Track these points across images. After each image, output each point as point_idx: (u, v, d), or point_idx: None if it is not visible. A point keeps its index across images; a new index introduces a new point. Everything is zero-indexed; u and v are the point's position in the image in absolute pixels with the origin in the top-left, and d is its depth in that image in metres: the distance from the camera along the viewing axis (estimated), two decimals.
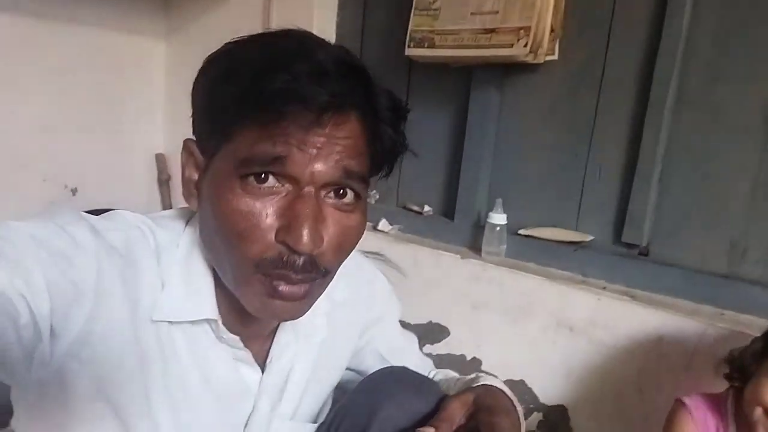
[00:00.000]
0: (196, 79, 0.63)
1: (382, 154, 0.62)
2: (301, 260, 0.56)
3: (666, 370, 1.26)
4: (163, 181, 2.26)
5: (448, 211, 1.76)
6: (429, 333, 1.65)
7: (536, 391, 1.47)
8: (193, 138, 0.63)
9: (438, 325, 1.64)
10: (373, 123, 0.60)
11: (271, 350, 0.70)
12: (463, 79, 1.70)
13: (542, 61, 1.49)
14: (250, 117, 0.55)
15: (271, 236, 0.56)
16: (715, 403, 1.03)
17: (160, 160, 2.28)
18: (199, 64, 0.62)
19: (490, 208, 1.57)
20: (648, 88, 1.40)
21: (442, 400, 0.69)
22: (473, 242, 1.65)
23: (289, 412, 0.74)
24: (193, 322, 0.63)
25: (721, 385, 1.04)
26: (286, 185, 0.57)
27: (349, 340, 0.80)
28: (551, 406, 1.45)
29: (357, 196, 0.60)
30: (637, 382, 1.31)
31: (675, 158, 1.40)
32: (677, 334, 1.26)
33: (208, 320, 0.63)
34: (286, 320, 0.65)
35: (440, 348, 1.63)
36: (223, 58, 0.60)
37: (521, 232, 1.58)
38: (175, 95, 2.27)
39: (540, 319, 1.46)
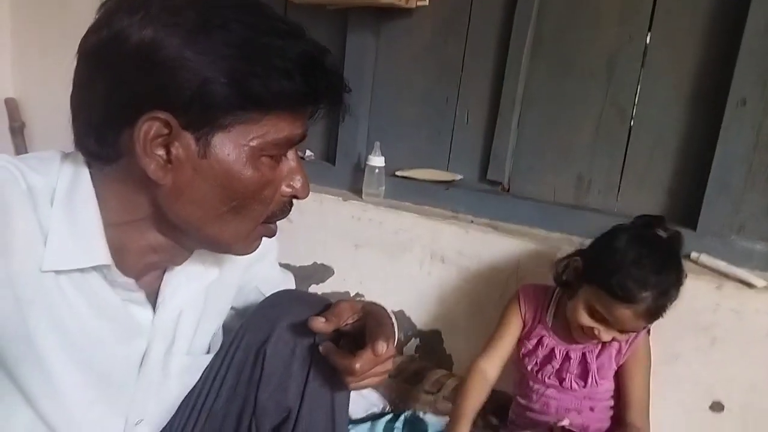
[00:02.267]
0: (163, 50, 0.57)
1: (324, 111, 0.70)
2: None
3: (524, 290, 1.43)
4: (16, 129, 2.06)
5: (329, 155, 1.80)
6: (314, 273, 1.72)
7: (414, 319, 1.60)
8: (163, 110, 0.58)
9: (323, 265, 1.71)
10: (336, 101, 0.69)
11: (161, 290, 0.71)
12: (339, 22, 1.71)
13: (414, 6, 1.54)
14: (290, 107, 0.62)
15: (278, 194, 0.67)
16: (545, 292, 1.23)
17: (11, 105, 2.06)
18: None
19: (369, 152, 1.64)
20: (508, 37, 1.52)
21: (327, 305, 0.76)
22: (354, 185, 1.71)
23: (185, 348, 0.76)
24: (82, 270, 0.62)
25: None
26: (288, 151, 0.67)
27: (234, 278, 0.83)
28: (427, 332, 1.59)
29: None
30: (499, 303, 1.46)
31: (531, 102, 1.54)
32: (533, 258, 1.43)
33: (99, 266, 0.63)
34: (251, 253, 0.71)
35: (326, 287, 1.70)
36: (219, 34, 0.58)
37: (398, 173, 1.67)
38: (22, 35, 2.04)
39: (416, 253, 1.57)
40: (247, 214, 0.65)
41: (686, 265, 1.29)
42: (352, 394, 1.36)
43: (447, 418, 1.28)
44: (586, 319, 1.07)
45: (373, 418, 1.25)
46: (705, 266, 1.29)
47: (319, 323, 0.70)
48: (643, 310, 1.02)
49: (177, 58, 0.56)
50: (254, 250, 0.70)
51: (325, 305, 0.76)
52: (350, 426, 1.23)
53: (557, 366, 1.16)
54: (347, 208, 1.65)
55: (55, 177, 0.63)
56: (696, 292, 1.24)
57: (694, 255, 1.31)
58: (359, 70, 1.69)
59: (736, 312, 1.22)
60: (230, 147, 0.60)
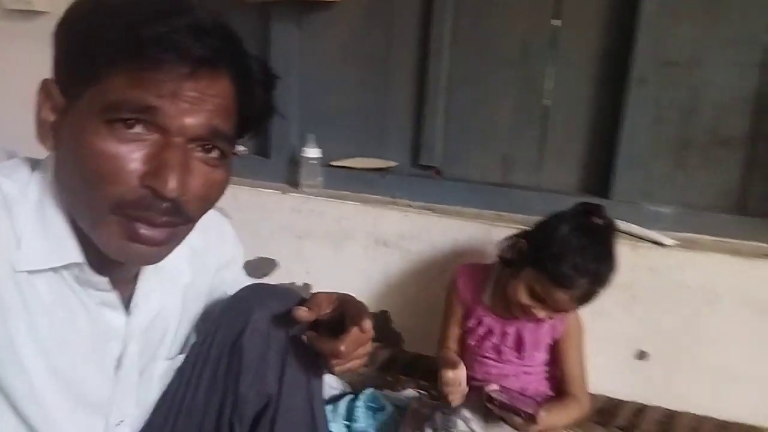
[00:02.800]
0: (63, 19, 0.59)
1: (251, 117, 0.65)
2: (164, 205, 0.58)
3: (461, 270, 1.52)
4: None
5: (262, 149, 1.80)
6: (258, 267, 1.72)
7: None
8: (52, 78, 0.60)
9: (266, 259, 1.72)
10: (244, 86, 0.62)
11: (135, 294, 0.71)
12: (261, 16, 1.71)
13: None
14: (123, 62, 0.55)
15: (134, 180, 0.57)
16: (483, 270, 1.29)
17: None
18: None
19: (302, 144, 1.66)
20: (429, 26, 1.58)
21: (304, 298, 0.78)
22: (291, 177, 1.73)
23: (165, 353, 0.77)
24: (55, 269, 0.62)
25: None
26: (154, 134, 0.57)
27: (206, 282, 0.84)
28: (376, 313, 1.64)
29: (223, 154, 0.62)
30: (441, 280, 1.55)
31: (456, 89, 1.62)
32: (468, 236, 1.52)
33: (71, 265, 0.63)
34: (142, 264, 0.66)
35: (271, 280, 1.71)
36: (96, 2, 0.59)
37: (334, 163, 1.71)
38: None
39: (359, 239, 1.62)
40: (93, 193, 0.58)
41: None
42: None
43: (407, 392, 1.35)
44: (525, 299, 1.13)
45: (334, 399, 1.29)
46: (621, 231, 1.42)
47: (303, 312, 0.72)
48: (579, 295, 1.10)
49: (58, 29, 0.59)
50: (131, 257, 0.62)
51: (294, 295, 0.79)
52: None
53: (495, 341, 1.22)
54: (287, 200, 1.67)
55: (27, 182, 0.63)
56: None
57: None
58: (285, 63, 1.70)
59: (651, 269, 1.37)
60: (83, 109, 0.57)
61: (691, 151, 1.46)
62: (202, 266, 0.80)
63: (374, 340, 1.60)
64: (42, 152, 0.66)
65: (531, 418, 1.05)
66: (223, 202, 1.85)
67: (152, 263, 0.65)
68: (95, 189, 0.57)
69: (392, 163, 1.71)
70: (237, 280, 0.88)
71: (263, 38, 1.72)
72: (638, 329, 1.39)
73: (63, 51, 0.60)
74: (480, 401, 1.11)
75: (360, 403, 1.24)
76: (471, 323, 1.26)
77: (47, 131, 0.61)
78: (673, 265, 1.36)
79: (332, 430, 1.19)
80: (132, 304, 0.71)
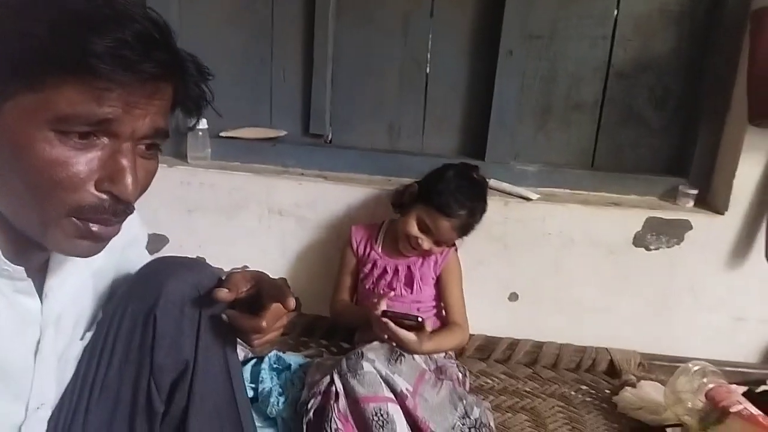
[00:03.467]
0: None
1: (189, 111, 0.69)
2: (120, 206, 0.61)
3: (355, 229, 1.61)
4: None
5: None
6: (148, 244, 1.68)
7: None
8: None
9: (155, 234, 1.68)
10: (182, 87, 0.66)
11: (47, 280, 0.71)
12: None
13: None
14: (71, 75, 0.55)
15: (91, 186, 0.59)
16: (375, 227, 1.49)
17: None
18: None
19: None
20: None
21: (221, 278, 0.81)
22: (178, 150, 1.70)
23: (79, 334, 0.78)
24: None
25: None
26: (104, 139, 0.59)
27: (113, 262, 0.84)
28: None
29: (158, 146, 0.66)
30: (337, 244, 1.63)
31: (342, 58, 1.67)
32: (360, 201, 1.60)
33: None
34: (87, 257, 0.66)
35: (162, 255, 1.69)
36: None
37: (223, 134, 1.70)
38: None
39: (253, 210, 1.65)
40: (47, 199, 0.58)
41: None
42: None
43: (304, 352, 1.43)
44: (414, 230, 1.34)
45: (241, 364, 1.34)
46: (493, 188, 1.59)
47: (224, 293, 0.75)
48: (457, 224, 1.32)
49: None
50: (90, 252, 0.64)
51: (202, 265, 0.83)
52: None
53: (389, 279, 1.40)
54: (175, 173, 1.64)
55: None
56: (489, 210, 1.52)
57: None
58: None
59: (519, 221, 1.55)
60: (19, 116, 0.56)
61: (550, 115, 1.65)
62: (110, 246, 0.80)
63: None
64: None
65: (420, 324, 1.19)
66: None
67: (95, 254, 0.66)
68: (49, 196, 0.58)
69: (282, 133, 1.73)
70: (142, 259, 0.90)
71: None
72: (510, 274, 1.58)
73: None
74: (380, 341, 1.22)
75: (265, 366, 1.30)
76: (366, 269, 1.43)
77: None
78: (537, 216, 1.55)
79: None
80: (45, 289, 0.71)
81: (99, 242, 0.64)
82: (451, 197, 1.31)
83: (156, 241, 1.69)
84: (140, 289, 0.79)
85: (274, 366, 1.33)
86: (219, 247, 1.68)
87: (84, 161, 0.58)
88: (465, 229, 1.35)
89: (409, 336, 1.19)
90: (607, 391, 1.42)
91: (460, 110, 1.68)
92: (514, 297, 1.60)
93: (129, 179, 0.59)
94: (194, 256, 1.69)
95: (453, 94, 1.67)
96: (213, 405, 0.80)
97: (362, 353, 1.14)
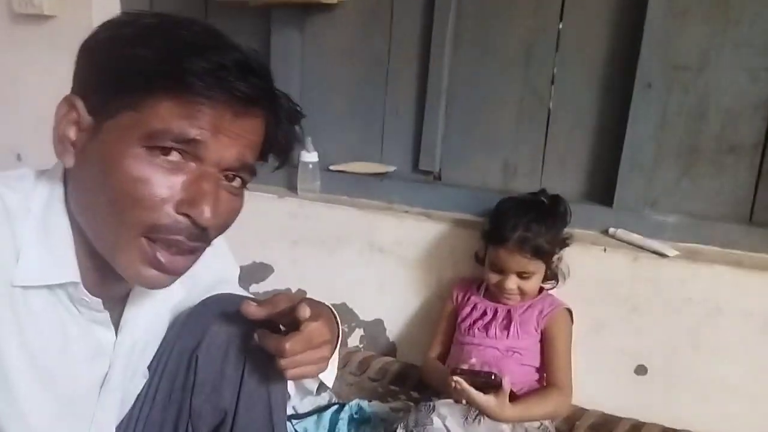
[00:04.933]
0: (96, 37, 0.60)
1: (277, 151, 0.69)
2: (195, 231, 0.61)
3: (459, 274, 1.48)
4: None
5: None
6: (254, 273, 1.71)
7: (356, 310, 1.63)
8: (77, 94, 0.61)
9: (261, 264, 1.71)
10: (274, 123, 0.65)
11: (124, 313, 0.71)
12: (262, 20, 1.71)
13: (336, 1, 1.56)
14: (167, 92, 0.57)
15: (171, 206, 0.59)
16: (475, 280, 1.41)
17: None
18: None
19: (302, 147, 1.64)
20: (430, 29, 1.55)
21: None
22: (289, 181, 1.72)
23: (142, 370, 0.77)
24: (49, 287, 0.62)
25: None
26: (190, 162, 0.60)
27: (196, 297, 0.81)
28: (370, 321, 1.62)
29: (243, 183, 0.66)
30: (437, 288, 1.52)
31: (456, 92, 1.59)
32: (466, 243, 1.48)
33: (67, 284, 0.63)
34: (154, 289, 0.66)
35: (266, 285, 1.70)
36: (139, 26, 0.60)
37: (332, 167, 1.69)
38: None
39: (354, 245, 1.60)
40: (125, 215, 0.59)
41: (604, 240, 1.39)
42: (300, 389, 1.39)
43: (391, 404, 1.33)
44: (492, 275, 1.27)
45: (319, 410, 1.27)
46: (621, 240, 1.37)
47: (251, 307, 0.69)
48: (513, 247, 1.22)
49: (94, 47, 0.60)
50: (156, 283, 0.63)
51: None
52: (297, 420, 1.25)
53: (487, 321, 1.30)
54: (283, 205, 1.66)
55: (30, 194, 0.63)
56: (614, 265, 1.33)
57: (611, 230, 1.40)
58: (286, 66, 1.69)
59: (651, 281, 1.32)
60: (115, 132, 0.59)
61: (697, 158, 1.40)
62: (193, 285, 0.79)
63: (368, 349, 1.61)
64: (46, 158, 0.66)
65: (496, 381, 1.06)
66: None
67: (163, 287, 0.65)
68: (128, 212, 0.59)
69: (391, 168, 1.68)
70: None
71: (264, 41, 1.71)
72: (638, 343, 1.34)
73: (95, 70, 0.60)
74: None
75: (344, 415, 1.22)
76: (465, 312, 1.35)
77: (68, 147, 0.61)
78: (674, 276, 1.30)
79: None
80: (122, 323, 0.71)
81: (166, 273, 0.63)
82: (500, 223, 1.25)
83: (262, 270, 1.72)
84: (188, 326, 0.76)
85: (355, 416, 1.24)
86: (319, 279, 1.65)
87: (167, 181, 0.59)
88: (533, 250, 1.22)
89: (483, 397, 1.04)
90: None
91: (586, 149, 1.49)
92: (641, 371, 1.35)
93: (208, 204, 0.60)
94: (295, 289, 1.69)
95: (578, 130, 1.49)
96: None
97: (434, 406, 1.03)
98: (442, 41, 1.55)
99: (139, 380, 0.77)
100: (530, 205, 1.29)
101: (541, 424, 1.17)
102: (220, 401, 0.72)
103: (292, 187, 1.70)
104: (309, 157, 1.63)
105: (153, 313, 0.74)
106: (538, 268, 1.25)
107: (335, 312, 0.80)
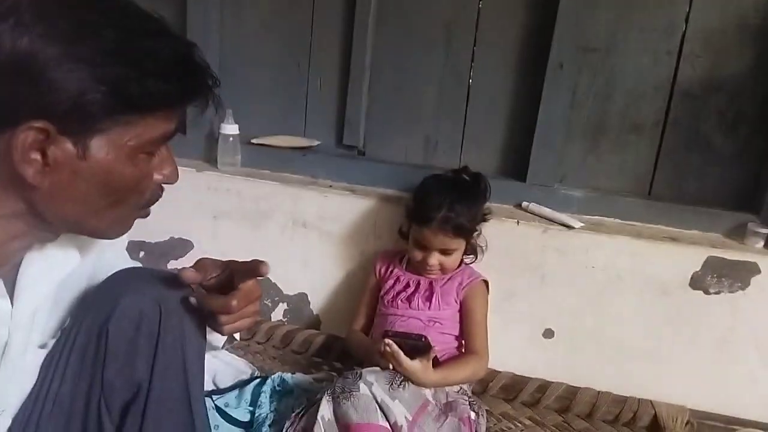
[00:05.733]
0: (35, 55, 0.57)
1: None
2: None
3: (381, 246, 1.52)
4: None
5: (178, 125, 1.73)
6: (172, 249, 1.67)
7: (280, 285, 1.63)
8: (40, 122, 0.59)
9: (180, 239, 1.66)
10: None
11: (18, 280, 0.68)
12: None
13: None
14: (171, 108, 0.65)
15: (154, 182, 0.70)
16: (397, 252, 1.43)
17: None
18: None
19: (222, 120, 1.60)
20: (353, 5, 1.55)
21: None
22: (208, 155, 1.68)
23: (38, 341, 0.74)
24: None
25: None
26: (161, 145, 0.70)
27: (89, 266, 0.81)
28: (293, 296, 1.62)
29: None
30: (360, 261, 1.54)
31: (379, 69, 1.60)
32: (388, 217, 1.51)
33: None
34: (117, 237, 0.73)
35: (186, 261, 1.66)
36: (92, 38, 0.60)
37: (254, 141, 1.66)
38: None
39: (277, 220, 1.59)
40: (125, 206, 0.68)
41: (517, 213, 1.46)
42: (220, 364, 1.38)
43: (314, 375, 1.35)
44: (416, 252, 1.29)
45: (241, 385, 1.27)
46: (533, 213, 1.45)
47: (190, 273, 0.74)
48: (437, 227, 1.24)
49: (53, 69, 0.57)
50: (116, 236, 0.72)
51: (170, 277, 0.76)
52: (218, 396, 1.24)
53: (409, 293, 1.33)
54: (202, 178, 1.62)
55: None
56: (526, 237, 1.40)
57: (524, 204, 1.48)
58: (203, 35, 1.63)
59: (559, 251, 1.40)
60: (109, 148, 0.63)
61: (603, 136, 1.50)
62: (87, 249, 0.77)
63: (292, 322, 1.61)
64: None
65: (425, 344, 1.10)
66: None
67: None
68: (129, 203, 0.68)
69: (315, 142, 1.67)
70: (119, 263, 0.84)
71: (181, 10, 1.64)
72: (546, 309, 1.43)
73: (54, 91, 0.58)
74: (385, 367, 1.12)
75: (266, 388, 1.22)
76: (389, 284, 1.38)
77: (39, 169, 0.61)
78: (579, 246, 1.39)
79: (235, 416, 1.18)
80: (17, 291, 0.69)
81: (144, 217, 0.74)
82: (423, 202, 1.27)
83: (181, 246, 1.68)
84: (98, 300, 0.74)
85: (277, 389, 1.25)
86: (242, 255, 1.59)
87: (151, 168, 0.69)
88: (456, 229, 1.25)
89: (409, 362, 1.08)
90: None
91: (502, 127, 1.56)
92: (549, 334, 1.44)
93: (173, 165, 0.72)
94: None
95: (496, 109, 1.55)
96: None
97: (361, 374, 1.05)
98: (366, 17, 1.55)
99: (35, 351, 0.74)
100: (453, 184, 1.31)
101: (460, 388, 1.23)
102: (134, 373, 0.71)
103: (211, 161, 1.66)
104: (229, 129, 1.59)
105: (48, 280, 0.73)
106: (459, 245, 1.29)
107: None
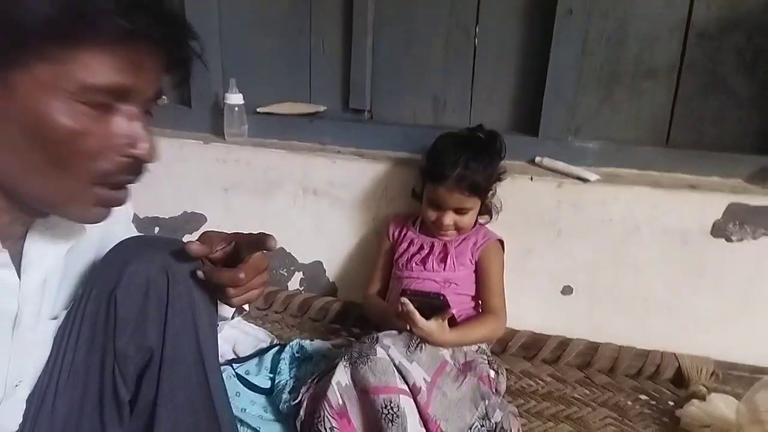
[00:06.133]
0: None
1: (177, 72, 0.68)
2: (138, 166, 0.65)
3: (392, 209, 1.50)
4: None
5: (184, 98, 1.71)
6: (186, 223, 1.67)
7: (294, 254, 1.63)
8: None
9: (193, 213, 1.66)
10: (178, 53, 0.66)
11: (24, 252, 0.68)
12: None
13: None
14: (96, 46, 0.56)
15: (113, 152, 0.62)
16: (410, 215, 1.41)
17: None
18: None
19: (226, 90, 1.58)
20: None
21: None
22: (215, 126, 1.66)
23: (49, 312, 0.74)
24: None
25: None
26: (121, 106, 0.62)
27: (95, 238, 0.80)
28: (309, 264, 1.62)
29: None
30: (373, 226, 1.53)
31: (383, 27, 1.55)
32: (398, 180, 1.49)
33: None
34: (97, 223, 0.68)
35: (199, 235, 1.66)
36: None
37: (260, 110, 1.64)
38: None
39: (288, 188, 1.58)
40: (70, 170, 0.60)
41: (530, 168, 1.43)
42: (240, 333, 1.39)
43: (332, 341, 1.35)
44: (430, 212, 1.27)
45: (260, 353, 1.28)
46: (547, 168, 1.41)
47: (196, 246, 0.72)
48: (452, 185, 1.22)
49: None
50: (100, 219, 0.67)
51: (175, 244, 0.75)
52: (239, 364, 1.25)
53: (424, 255, 1.32)
54: (210, 151, 1.60)
55: None
56: (540, 192, 1.37)
57: (537, 159, 1.44)
58: (204, 4, 1.60)
59: (575, 205, 1.37)
60: (35, 88, 0.56)
61: (617, 84, 1.44)
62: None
63: (308, 291, 1.61)
64: None
65: (443, 303, 1.08)
66: None
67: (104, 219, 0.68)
68: (73, 167, 0.60)
69: (321, 108, 1.64)
70: (126, 235, 0.84)
71: None
72: (563, 265, 1.41)
73: None
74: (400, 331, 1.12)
75: (285, 355, 1.22)
76: (402, 248, 1.37)
77: None
78: (596, 199, 1.36)
79: (256, 383, 1.18)
80: (24, 263, 0.68)
81: (114, 207, 0.67)
82: (438, 160, 1.23)
83: (194, 220, 1.68)
84: (105, 269, 0.73)
85: (296, 355, 1.25)
86: (254, 225, 1.56)
87: (105, 129, 0.61)
88: (471, 187, 1.22)
89: (425, 322, 1.07)
90: (671, 403, 1.23)
91: (511, 80, 1.51)
92: (567, 291, 1.42)
93: (147, 141, 0.64)
94: None
95: (504, 62, 1.50)
96: (185, 397, 0.73)
97: (377, 338, 1.04)
98: None
99: (47, 322, 0.74)
100: (468, 142, 1.28)
101: (479, 347, 1.22)
102: (145, 340, 0.71)
103: (218, 133, 1.64)
104: (234, 99, 1.57)
105: (55, 252, 0.72)
106: (474, 204, 1.27)
107: None
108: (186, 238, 1.67)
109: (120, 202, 0.67)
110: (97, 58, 0.57)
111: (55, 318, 0.75)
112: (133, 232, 0.89)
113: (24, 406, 0.73)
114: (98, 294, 0.72)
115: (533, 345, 1.36)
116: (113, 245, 0.77)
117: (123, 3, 0.56)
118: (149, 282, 0.71)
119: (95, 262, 0.78)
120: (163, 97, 1.71)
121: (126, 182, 0.66)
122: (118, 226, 0.84)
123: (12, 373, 0.70)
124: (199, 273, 0.74)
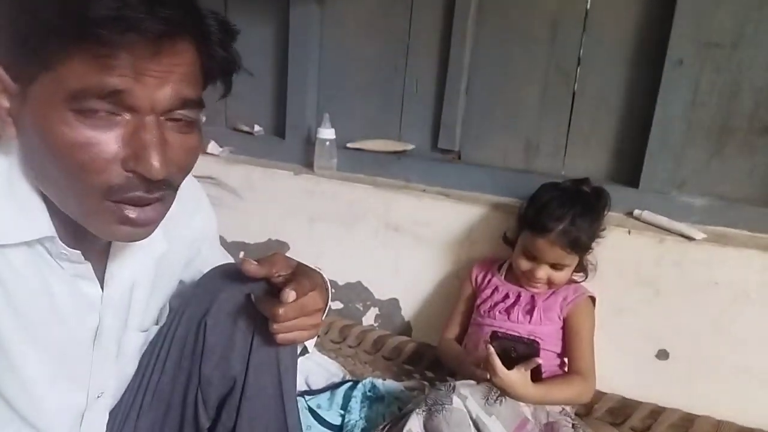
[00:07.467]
0: None
1: (216, 76, 0.64)
2: (152, 184, 0.58)
3: (476, 254, 1.46)
4: None
5: (278, 129, 1.78)
6: (269, 250, 1.69)
7: (372, 289, 1.62)
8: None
9: (277, 241, 1.70)
10: (205, 47, 0.60)
11: (108, 264, 0.70)
12: None
13: None
14: (76, 46, 0.52)
15: (117, 165, 0.57)
16: (495, 261, 1.38)
17: None
18: None
19: (319, 124, 1.62)
20: (453, 3, 1.51)
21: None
22: (305, 158, 1.70)
23: (137, 324, 0.75)
24: (28, 243, 0.61)
25: None
26: (125, 114, 0.56)
27: (182, 253, 0.82)
28: (385, 301, 1.60)
29: (192, 118, 0.62)
30: (454, 268, 1.49)
31: (478, 69, 1.55)
32: (485, 224, 1.45)
33: (43, 239, 0.61)
34: (133, 242, 0.65)
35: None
36: None
37: (349, 145, 1.66)
38: None
39: (370, 224, 1.58)
40: (78, 184, 0.57)
41: (629, 222, 1.35)
42: (313, 365, 1.38)
43: (405, 383, 1.31)
44: (523, 262, 1.23)
45: (333, 387, 1.26)
46: (647, 222, 1.33)
47: (251, 266, 0.68)
48: (556, 239, 1.17)
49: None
50: (131, 238, 0.63)
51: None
52: (311, 396, 1.24)
53: (508, 304, 1.27)
54: (299, 182, 1.64)
55: None
56: (638, 248, 1.29)
57: (636, 212, 1.35)
58: (304, 40, 1.66)
59: (677, 264, 1.27)
60: (40, 100, 0.55)
61: (729, 138, 1.34)
62: (177, 235, 0.77)
63: (383, 327, 1.59)
64: None
65: (533, 349, 1.04)
66: (236, 183, 1.87)
67: (142, 239, 0.64)
68: (80, 180, 0.57)
69: (409, 146, 1.65)
70: (213, 254, 0.85)
71: (283, 15, 1.69)
72: (660, 327, 1.30)
73: (4, 33, 0.56)
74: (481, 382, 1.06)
75: (357, 392, 1.20)
76: (485, 294, 1.32)
77: (4, 118, 0.58)
78: (701, 260, 1.25)
79: (327, 418, 1.16)
80: (107, 276, 0.70)
81: (139, 227, 0.61)
82: (543, 211, 1.19)
83: (278, 248, 1.71)
84: (198, 293, 0.75)
85: (368, 394, 1.22)
86: (335, 257, 1.63)
87: (106, 140, 0.56)
88: (574, 244, 1.18)
89: (508, 372, 1.01)
90: None
91: (612, 128, 1.45)
92: (663, 355, 1.31)
93: (153, 156, 0.56)
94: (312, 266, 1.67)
95: (604, 109, 1.44)
96: (263, 429, 0.72)
97: (454, 386, 1.00)
98: (465, 16, 1.50)
99: (134, 334, 0.75)
100: (575, 197, 1.23)
101: (563, 408, 1.14)
102: (230, 369, 0.71)
103: (308, 165, 1.68)
104: (326, 133, 1.61)
105: (138, 265, 0.73)
106: (572, 261, 1.21)
107: (326, 279, 0.80)
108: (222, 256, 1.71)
109: (140, 222, 0.60)
110: (82, 61, 0.53)
111: (145, 331, 0.76)
112: (219, 250, 0.90)
113: (107, 418, 0.75)
114: (189, 318, 0.73)
115: (622, 411, 1.26)
116: (209, 266, 0.78)
117: (111, 4, 0.51)
118: (238, 311, 0.71)
119: (185, 280, 0.80)
120: (259, 128, 1.78)
121: (138, 200, 0.59)
122: (205, 245, 0.86)
123: (94, 384, 0.71)
124: (252, 295, 0.71)
